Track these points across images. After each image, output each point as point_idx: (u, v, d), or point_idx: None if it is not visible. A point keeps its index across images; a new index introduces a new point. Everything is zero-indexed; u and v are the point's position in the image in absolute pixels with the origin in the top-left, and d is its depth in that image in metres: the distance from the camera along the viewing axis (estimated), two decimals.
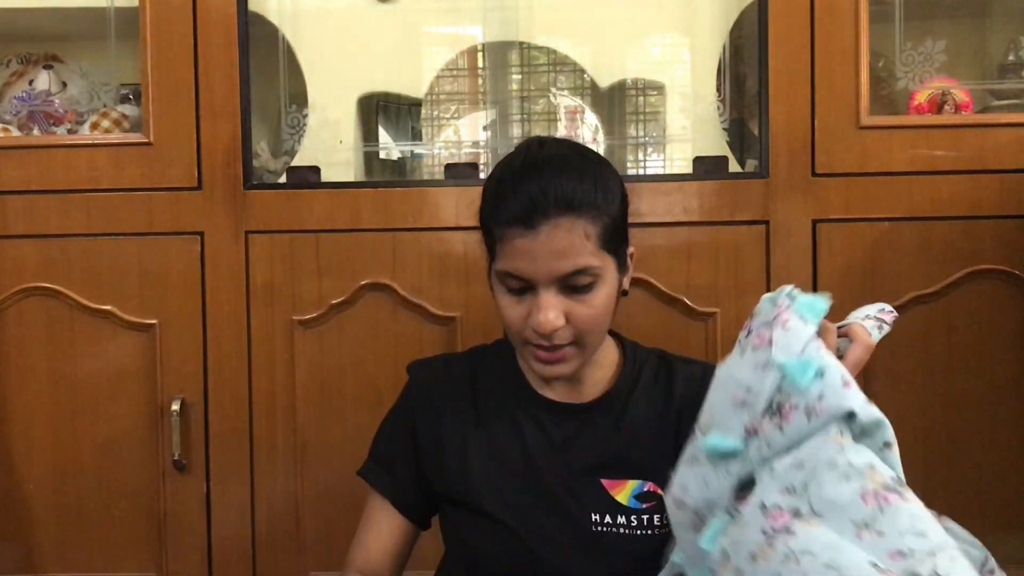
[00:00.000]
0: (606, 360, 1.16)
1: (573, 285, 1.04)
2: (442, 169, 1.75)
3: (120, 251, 1.54)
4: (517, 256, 1.03)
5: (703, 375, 1.09)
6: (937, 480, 1.51)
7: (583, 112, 1.89)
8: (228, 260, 1.53)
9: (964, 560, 0.85)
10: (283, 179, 1.67)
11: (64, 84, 1.81)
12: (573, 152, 1.10)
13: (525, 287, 1.05)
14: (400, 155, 1.93)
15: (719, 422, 0.93)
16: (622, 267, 1.11)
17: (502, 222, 1.05)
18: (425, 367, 1.22)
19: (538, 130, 1.84)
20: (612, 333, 1.17)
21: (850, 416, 0.88)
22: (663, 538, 1.07)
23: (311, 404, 1.54)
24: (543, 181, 1.04)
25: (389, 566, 1.18)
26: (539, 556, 1.08)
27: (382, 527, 1.18)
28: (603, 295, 1.06)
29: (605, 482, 1.10)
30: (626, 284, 1.13)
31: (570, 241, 1.02)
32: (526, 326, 1.05)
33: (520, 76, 1.88)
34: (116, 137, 1.63)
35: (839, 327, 0.98)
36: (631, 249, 1.13)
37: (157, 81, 1.53)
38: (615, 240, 1.08)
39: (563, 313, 1.04)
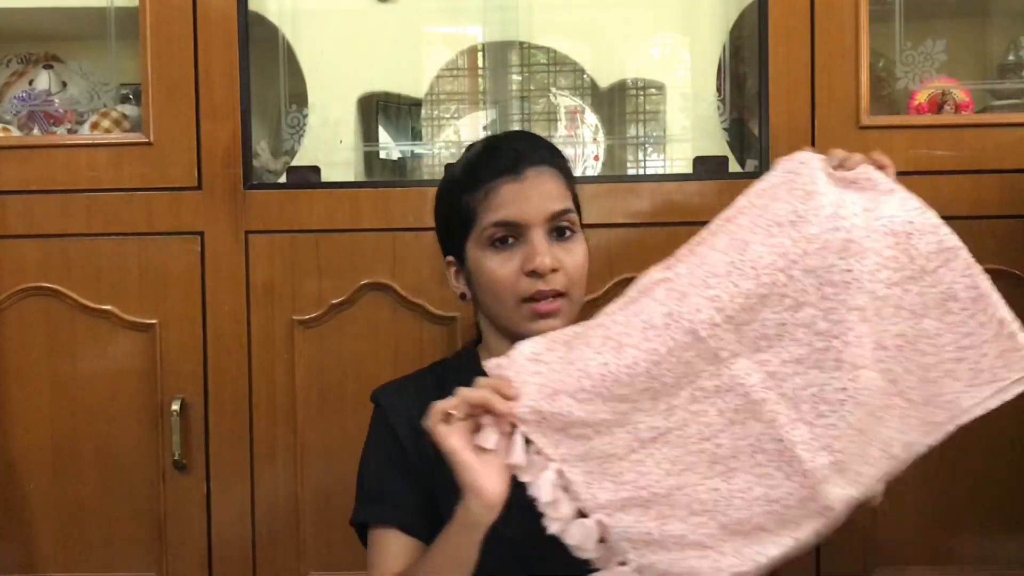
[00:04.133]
0: None
1: (559, 227, 1.11)
2: (442, 169, 1.74)
3: (120, 251, 1.54)
4: (507, 203, 1.10)
5: None
6: (937, 480, 1.51)
7: (583, 112, 1.89)
8: (228, 260, 1.53)
9: None
10: (283, 179, 1.67)
11: (64, 84, 1.81)
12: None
13: (514, 236, 1.11)
14: (400, 155, 1.93)
15: None
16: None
17: (486, 179, 1.12)
18: (390, 390, 1.22)
19: (538, 130, 1.84)
20: None
21: None
22: None
23: (311, 404, 1.54)
24: (522, 140, 1.17)
25: None
26: (525, 554, 1.07)
27: (399, 556, 1.12)
28: (582, 249, 1.14)
29: None
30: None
31: (554, 185, 1.12)
32: (520, 279, 1.10)
33: (520, 76, 1.88)
34: (116, 137, 1.63)
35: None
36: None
37: (157, 81, 1.53)
38: (579, 217, 1.17)
39: (555, 259, 1.10)
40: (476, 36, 1.88)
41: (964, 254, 0.97)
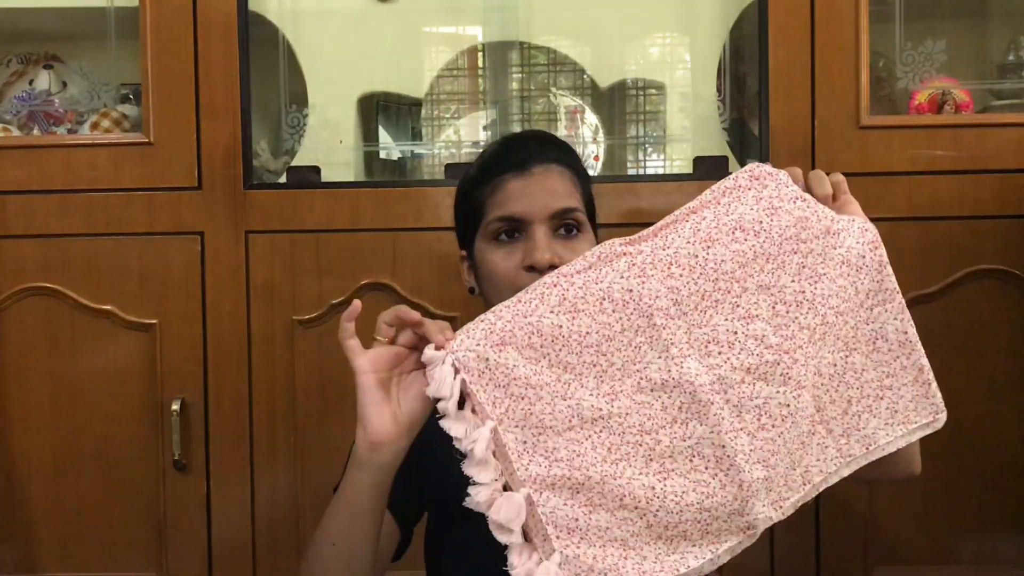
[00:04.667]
0: None
1: (564, 224, 1.11)
2: (442, 169, 1.75)
3: (120, 251, 1.54)
4: (512, 198, 1.11)
5: None
6: (937, 480, 1.51)
7: (583, 112, 1.90)
8: (228, 260, 1.53)
9: None
10: (283, 179, 1.67)
11: (64, 84, 1.81)
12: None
13: (518, 231, 1.11)
14: (400, 155, 1.93)
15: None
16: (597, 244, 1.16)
17: (495, 175, 1.12)
18: None
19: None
20: None
21: None
22: None
23: (311, 404, 1.54)
24: (537, 141, 1.17)
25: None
26: None
27: None
28: (588, 249, 1.10)
29: None
30: None
31: (561, 182, 1.12)
32: (520, 274, 1.09)
33: (520, 76, 1.88)
34: (116, 137, 1.63)
35: None
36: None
37: (157, 81, 1.53)
38: (591, 213, 1.16)
39: (556, 255, 1.08)
40: (476, 36, 1.88)
41: (899, 298, 1.00)
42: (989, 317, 1.51)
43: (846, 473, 0.99)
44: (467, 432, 0.91)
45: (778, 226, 0.97)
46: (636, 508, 0.92)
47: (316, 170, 1.60)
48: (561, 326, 0.93)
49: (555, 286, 0.95)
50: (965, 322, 1.50)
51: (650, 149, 1.93)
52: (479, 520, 1.02)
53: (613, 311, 0.94)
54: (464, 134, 1.91)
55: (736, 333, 0.95)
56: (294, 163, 1.67)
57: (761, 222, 0.97)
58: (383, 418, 0.94)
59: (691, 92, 1.83)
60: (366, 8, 1.80)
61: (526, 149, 1.14)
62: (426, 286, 1.53)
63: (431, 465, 1.08)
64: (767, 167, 1.00)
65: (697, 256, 0.96)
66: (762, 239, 0.97)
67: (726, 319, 0.95)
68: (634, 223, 1.52)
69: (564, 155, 1.17)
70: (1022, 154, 1.50)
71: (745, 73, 1.73)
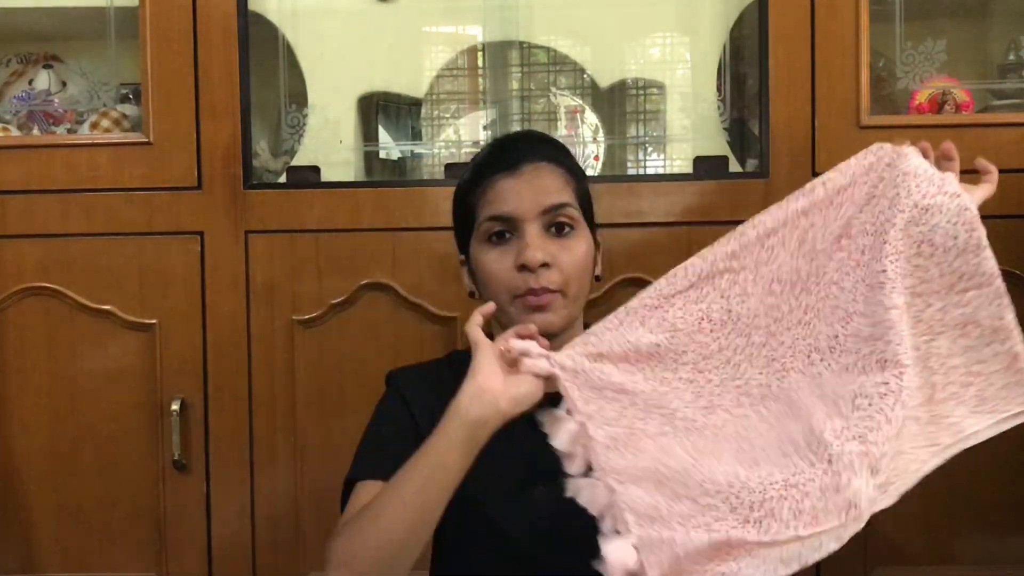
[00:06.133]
0: None
1: (556, 223, 1.11)
2: (442, 169, 1.75)
3: (120, 251, 1.54)
4: (502, 198, 1.11)
5: None
6: (937, 480, 1.50)
7: (583, 112, 1.89)
8: (228, 260, 1.53)
9: None
10: (283, 179, 1.67)
11: (64, 84, 1.81)
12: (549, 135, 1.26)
13: (510, 231, 1.11)
14: (400, 155, 1.93)
15: None
16: (595, 243, 1.17)
17: (487, 176, 1.13)
18: (405, 372, 1.22)
19: (538, 130, 1.84)
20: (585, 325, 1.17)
21: None
22: None
23: (311, 404, 1.54)
24: (527, 141, 1.18)
25: None
26: (528, 546, 1.07)
27: None
28: (583, 247, 1.13)
29: None
30: (599, 270, 1.19)
31: (552, 180, 1.13)
32: (514, 275, 1.10)
33: (520, 76, 1.88)
34: (116, 137, 1.63)
35: None
36: (599, 239, 1.20)
37: (157, 81, 1.53)
38: (587, 211, 1.16)
39: (549, 254, 1.09)
40: (476, 36, 1.88)
41: (998, 282, 0.97)
42: None
43: (936, 463, 0.96)
44: (557, 429, 0.97)
45: (880, 245, 0.96)
46: (718, 492, 0.92)
47: (316, 170, 1.60)
48: (659, 344, 0.97)
49: (657, 308, 0.99)
50: None
51: (650, 149, 1.93)
52: (484, 513, 1.03)
53: (711, 331, 0.97)
54: (464, 134, 1.91)
55: (836, 337, 0.95)
56: (294, 163, 1.67)
57: (864, 224, 0.97)
58: (494, 374, 0.99)
59: (691, 92, 1.83)
60: (366, 8, 1.80)
61: (517, 149, 1.15)
62: (426, 286, 1.52)
63: None
64: (892, 155, 0.99)
65: (800, 271, 0.97)
66: (864, 241, 0.97)
67: (828, 324, 0.96)
68: (634, 223, 1.52)
69: (556, 153, 1.17)
70: (1022, 154, 1.50)
71: (745, 73, 1.73)
